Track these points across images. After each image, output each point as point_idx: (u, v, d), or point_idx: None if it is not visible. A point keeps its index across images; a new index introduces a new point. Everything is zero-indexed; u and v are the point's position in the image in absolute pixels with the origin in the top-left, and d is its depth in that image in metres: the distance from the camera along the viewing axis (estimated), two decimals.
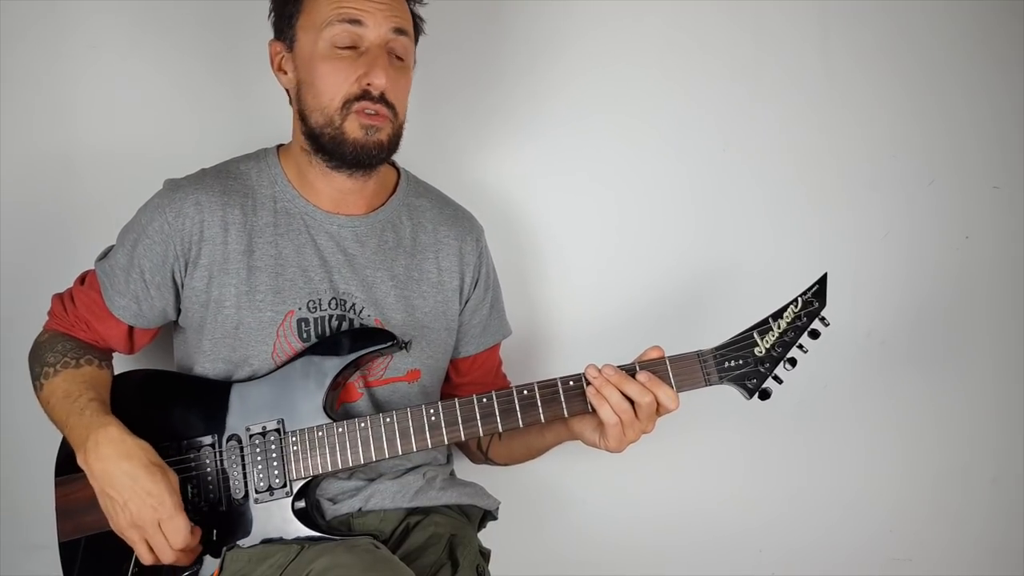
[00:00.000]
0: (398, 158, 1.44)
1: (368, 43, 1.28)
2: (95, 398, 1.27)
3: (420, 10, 1.39)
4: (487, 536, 1.47)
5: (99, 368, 1.34)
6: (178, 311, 1.36)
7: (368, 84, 1.26)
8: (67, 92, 1.58)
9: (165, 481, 1.19)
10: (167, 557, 1.20)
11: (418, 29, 1.39)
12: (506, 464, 1.55)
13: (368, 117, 1.27)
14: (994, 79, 1.88)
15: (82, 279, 1.41)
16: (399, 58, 1.31)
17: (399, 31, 1.29)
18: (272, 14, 1.37)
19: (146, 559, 1.20)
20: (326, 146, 1.30)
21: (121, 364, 1.44)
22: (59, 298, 1.40)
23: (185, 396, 1.32)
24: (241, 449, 1.28)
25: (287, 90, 1.37)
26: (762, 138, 1.81)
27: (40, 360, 1.34)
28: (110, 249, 1.38)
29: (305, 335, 1.32)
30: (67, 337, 1.37)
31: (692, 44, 1.80)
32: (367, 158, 1.30)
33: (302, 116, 1.32)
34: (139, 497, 1.17)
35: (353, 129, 1.28)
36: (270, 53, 1.36)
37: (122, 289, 1.34)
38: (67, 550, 1.29)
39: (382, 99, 1.27)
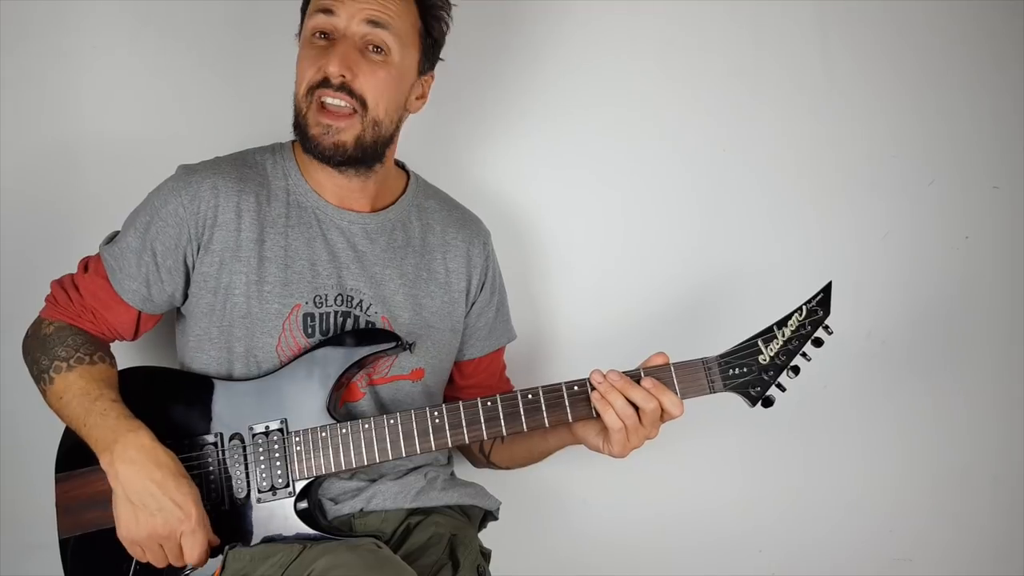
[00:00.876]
0: (408, 158, 1.44)
1: (339, 32, 1.28)
2: (117, 400, 1.25)
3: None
4: (488, 536, 1.47)
5: (111, 367, 1.32)
6: (185, 296, 1.35)
7: (325, 70, 1.26)
8: (70, 89, 1.59)
9: (193, 494, 1.19)
10: (177, 565, 1.21)
11: (432, 37, 1.37)
12: (507, 468, 1.55)
13: (326, 113, 1.27)
14: (994, 79, 1.88)
15: (84, 266, 1.37)
16: (377, 50, 1.29)
17: (373, 23, 1.28)
18: None
19: (160, 564, 1.20)
20: (300, 136, 1.32)
21: (123, 357, 1.43)
22: (59, 285, 1.36)
23: (188, 394, 1.31)
24: (244, 448, 1.27)
25: None
26: (762, 139, 1.81)
27: (48, 353, 1.29)
28: (116, 234, 1.36)
29: (310, 330, 1.32)
30: (76, 330, 1.33)
31: (693, 45, 1.80)
32: (323, 156, 1.30)
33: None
34: (168, 508, 1.17)
35: (313, 124, 1.28)
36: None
37: (132, 272, 1.32)
38: (68, 547, 1.29)
39: (344, 88, 1.27)
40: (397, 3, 1.31)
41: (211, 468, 1.27)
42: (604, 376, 1.24)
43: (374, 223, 1.39)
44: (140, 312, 1.36)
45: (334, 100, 1.27)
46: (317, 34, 1.29)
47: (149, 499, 1.17)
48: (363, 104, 1.28)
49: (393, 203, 1.42)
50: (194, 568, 1.24)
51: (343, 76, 1.26)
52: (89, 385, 1.26)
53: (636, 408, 1.23)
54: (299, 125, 1.31)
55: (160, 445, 1.20)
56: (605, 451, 1.30)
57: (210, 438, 1.28)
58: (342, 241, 1.36)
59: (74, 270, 1.39)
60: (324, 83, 1.26)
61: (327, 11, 1.27)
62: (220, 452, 1.28)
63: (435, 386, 1.44)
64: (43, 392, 1.31)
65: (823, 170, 1.84)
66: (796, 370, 1.28)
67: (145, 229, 1.31)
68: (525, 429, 1.26)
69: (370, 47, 1.29)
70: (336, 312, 1.34)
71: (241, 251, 1.31)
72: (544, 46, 1.74)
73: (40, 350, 1.32)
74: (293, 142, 1.41)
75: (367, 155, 1.32)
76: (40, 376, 1.30)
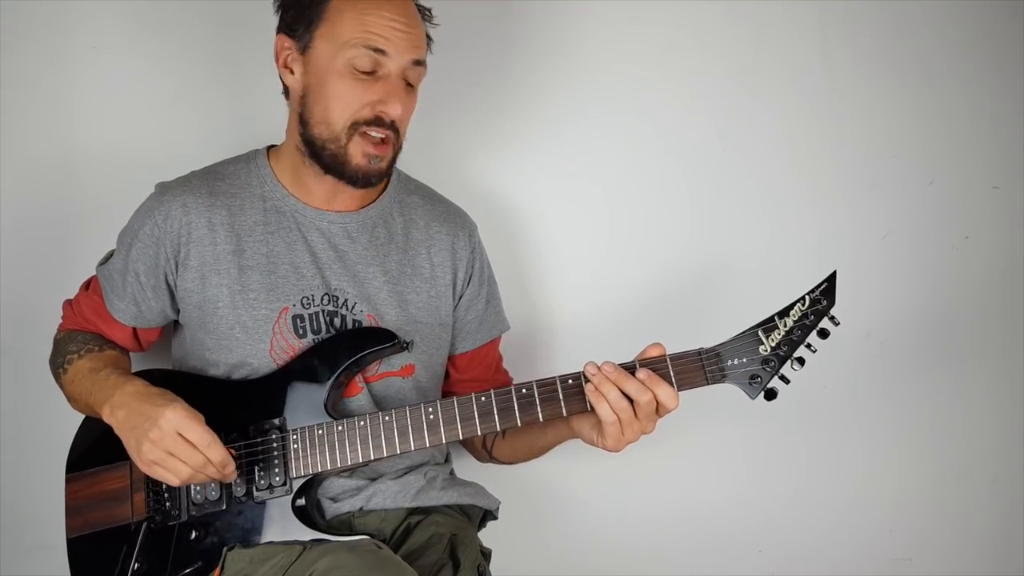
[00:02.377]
0: (401, 159, 1.44)
1: (387, 71, 1.28)
2: (119, 367, 1.33)
3: None
4: (487, 536, 1.47)
5: (121, 354, 1.40)
6: (177, 310, 1.38)
7: (382, 112, 1.27)
8: (67, 93, 1.59)
9: (164, 402, 1.19)
10: (199, 463, 1.18)
11: (430, 52, 1.39)
12: (510, 463, 1.54)
13: (374, 145, 1.29)
14: (994, 79, 1.88)
15: (87, 285, 1.45)
16: (410, 84, 1.32)
17: (417, 63, 1.30)
18: (280, 6, 1.34)
19: (183, 474, 1.18)
20: (325, 160, 1.31)
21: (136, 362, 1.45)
22: (68, 304, 1.46)
23: (188, 394, 1.30)
24: (242, 447, 1.28)
25: (286, 87, 1.36)
26: (762, 138, 1.81)
27: (62, 351, 1.39)
28: (111, 253, 1.41)
29: (301, 331, 1.33)
30: (83, 331, 1.42)
31: (691, 44, 1.79)
32: (366, 182, 1.32)
33: (304, 121, 1.31)
34: (150, 414, 1.18)
35: (357, 155, 1.29)
36: (276, 47, 1.33)
37: (120, 293, 1.37)
38: (74, 546, 1.31)
39: (391, 125, 1.29)
40: (423, 33, 1.33)
41: None
42: (598, 368, 1.22)
43: (354, 222, 1.39)
44: (136, 328, 1.41)
45: (378, 134, 1.29)
46: (360, 67, 1.27)
47: (136, 419, 1.20)
48: (396, 132, 1.31)
49: (375, 200, 1.43)
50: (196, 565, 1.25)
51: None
52: (96, 364, 1.34)
53: (631, 401, 1.21)
54: (330, 152, 1.30)
55: (151, 387, 1.24)
56: (599, 445, 1.27)
57: None
58: (323, 242, 1.37)
59: (73, 275, 1.47)
60: (375, 121, 1.28)
61: (379, 51, 1.26)
62: None
63: (427, 381, 1.44)
64: (62, 387, 1.40)
65: (823, 170, 1.84)
66: (801, 361, 1.25)
67: (127, 251, 1.35)
68: (519, 424, 1.25)
69: (407, 81, 1.31)
70: (323, 311, 1.34)
71: (220, 264, 1.32)
72: (538, 42, 1.74)
73: (55, 352, 1.43)
74: (268, 149, 1.42)
75: (389, 176, 1.38)
76: (57, 373, 1.40)
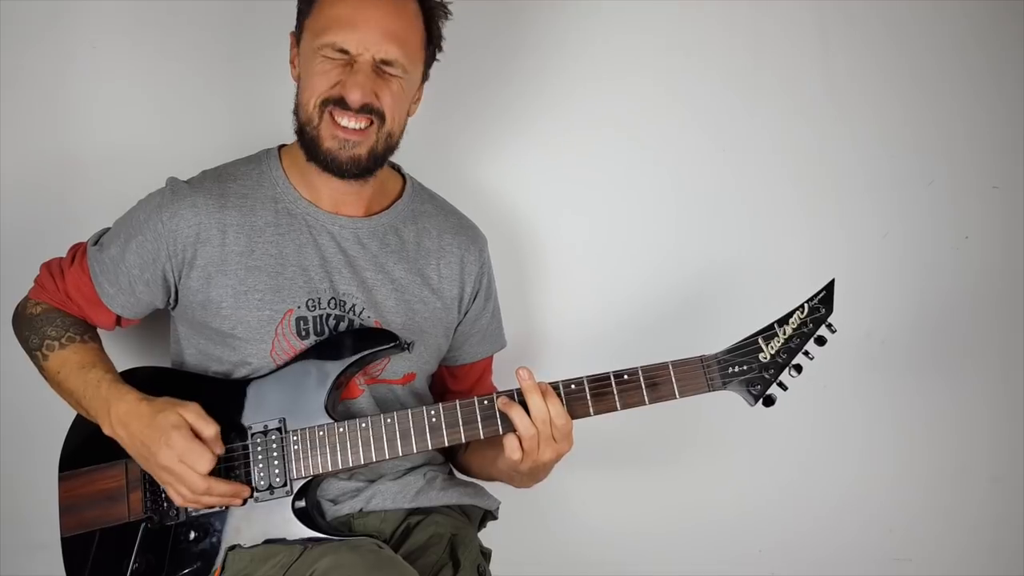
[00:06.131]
0: (400, 160, 1.44)
1: (355, 51, 1.27)
2: (108, 370, 1.32)
3: None
4: (487, 536, 1.47)
5: (100, 347, 1.39)
6: (167, 303, 1.37)
7: (344, 93, 1.27)
8: (68, 91, 1.59)
9: (164, 424, 1.21)
10: (197, 485, 1.21)
11: (433, 45, 1.38)
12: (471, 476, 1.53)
13: (343, 130, 1.28)
14: (993, 79, 1.88)
15: (73, 256, 1.41)
16: (389, 65, 1.29)
17: (385, 63, 1.28)
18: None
19: (188, 484, 1.21)
20: (306, 145, 1.32)
21: (120, 357, 1.44)
22: (48, 270, 1.41)
23: (188, 394, 1.31)
24: (243, 448, 1.28)
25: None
26: (761, 140, 1.81)
27: (38, 332, 1.36)
28: (105, 232, 1.40)
29: (304, 333, 1.32)
30: (63, 313, 1.39)
31: (692, 48, 1.79)
32: (339, 169, 1.30)
33: (295, 111, 1.33)
34: (152, 447, 1.21)
35: (327, 137, 1.29)
36: (290, 44, 1.38)
37: (112, 279, 1.36)
38: (69, 545, 1.31)
39: (364, 109, 1.27)
40: (408, 18, 1.32)
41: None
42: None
43: (366, 228, 1.39)
44: (120, 315, 1.40)
45: (352, 123, 1.28)
46: (330, 47, 1.27)
47: (141, 449, 1.23)
48: (381, 117, 1.30)
49: (388, 207, 1.42)
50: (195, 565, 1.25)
51: (365, 101, 1.27)
52: (84, 358, 1.34)
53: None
54: (308, 135, 1.30)
55: (139, 401, 1.25)
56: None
57: None
58: (333, 246, 1.36)
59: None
60: (341, 103, 1.27)
61: (349, 27, 1.26)
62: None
63: (423, 389, 1.45)
64: (38, 367, 1.38)
65: (823, 170, 1.84)
66: (799, 368, 1.27)
67: (126, 242, 1.34)
68: None
69: (384, 63, 1.29)
70: (329, 315, 1.34)
71: (227, 265, 1.32)
72: (542, 49, 1.74)
73: (29, 329, 1.38)
74: (280, 148, 1.42)
75: (377, 164, 1.34)
76: (32, 352, 1.38)
